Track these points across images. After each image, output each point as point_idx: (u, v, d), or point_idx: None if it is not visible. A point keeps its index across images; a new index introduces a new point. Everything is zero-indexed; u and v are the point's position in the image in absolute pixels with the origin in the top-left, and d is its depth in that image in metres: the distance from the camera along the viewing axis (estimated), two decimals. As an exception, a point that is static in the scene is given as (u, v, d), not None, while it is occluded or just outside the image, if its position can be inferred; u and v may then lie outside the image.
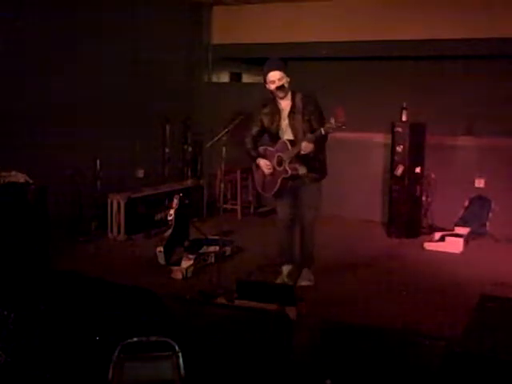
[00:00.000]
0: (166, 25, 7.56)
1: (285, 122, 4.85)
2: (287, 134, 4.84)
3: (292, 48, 7.59)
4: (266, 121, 4.91)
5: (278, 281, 5.05)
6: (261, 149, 5.01)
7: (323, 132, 4.52)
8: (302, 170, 4.85)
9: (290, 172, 4.79)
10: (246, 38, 8.03)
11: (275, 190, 4.92)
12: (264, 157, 4.94)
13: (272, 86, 4.76)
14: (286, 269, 5.16)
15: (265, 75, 4.79)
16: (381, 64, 7.40)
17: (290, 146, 4.76)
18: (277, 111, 4.87)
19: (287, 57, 7.98)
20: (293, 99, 4.82)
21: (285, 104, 4.85)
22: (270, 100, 4.90)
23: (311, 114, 4.78)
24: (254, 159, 5.00)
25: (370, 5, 7.24)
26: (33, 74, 5.91)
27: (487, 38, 6.63)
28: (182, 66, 8.15)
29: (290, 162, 4.77)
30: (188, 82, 8.22)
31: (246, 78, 9.81)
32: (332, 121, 4.43)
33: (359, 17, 7.33)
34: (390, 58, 7.26)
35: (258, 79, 10.18)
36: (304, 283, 5.03)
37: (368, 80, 7.38)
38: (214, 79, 8.73)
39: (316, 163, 4.88)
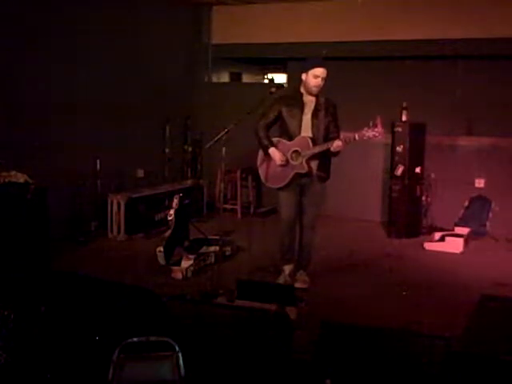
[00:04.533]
0: (166, 25, 7.57)
1: (306, 117, 4.84)
2: (305, 131, 4.83)
3: (292, 48, 7.59)
4: (285, 112, 4.88)
5: (280, 280, 5.05)
6: (274, 139, 4.96)
7: (357, 138, 4.57)
8: (314, 167, 4.88)
9: (306, 169, 4.80)
10: (246, 38, 8.04)
11: (285, 183, 4.92)
12: (276, 148, 4.91)
13: (313, 81, 4.76)
14: (287, 268, 5.15)
15: (311, 67, 4.75)
16: (381, 64, 7.40)
17: (311, 143, 4.77)
18: (300, 104, 4.86)
19: (287, 57, 8.05)
20: (317, 98, 4.87)
21: (309, 99, 4.87)
22: (292, 93, 4.93)
23: (332, 116, 4.86)
24: (265, 148, 4.93)
25: (370, 5, 7.24)
26: (33, 73, 5.91)
27: (487, 38, 6.64)
28: (182, 66, 8.15)
29: (308, 159, 4.79)
30: (188, 82, 8.23)
31: (246, 78, 9.82)
32: (369, 129, 4.51)
33: (359, 17, 7.33)
34: (390, 57, 7.27)
35: (258, 79, 10.22)
36: (298, 285, 4.96)
37: (368, 80, 7.38)
38: (214, 79, 8.73)
39: (326, 163, 4.92)
